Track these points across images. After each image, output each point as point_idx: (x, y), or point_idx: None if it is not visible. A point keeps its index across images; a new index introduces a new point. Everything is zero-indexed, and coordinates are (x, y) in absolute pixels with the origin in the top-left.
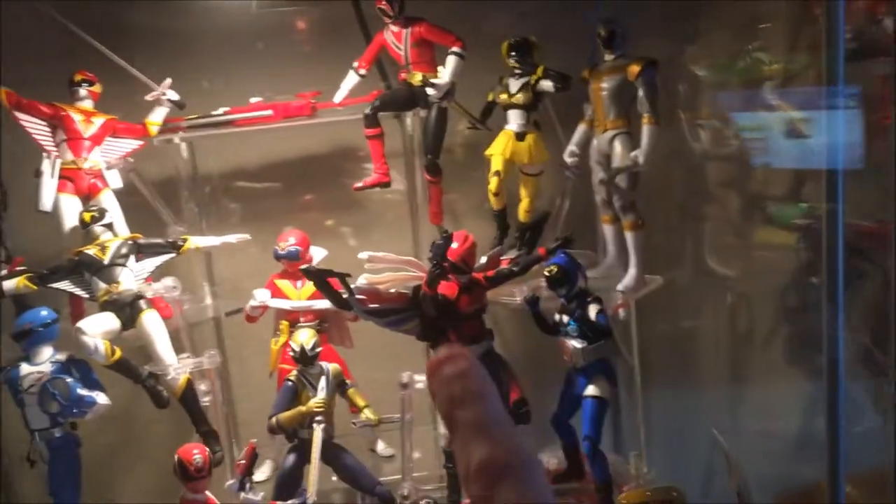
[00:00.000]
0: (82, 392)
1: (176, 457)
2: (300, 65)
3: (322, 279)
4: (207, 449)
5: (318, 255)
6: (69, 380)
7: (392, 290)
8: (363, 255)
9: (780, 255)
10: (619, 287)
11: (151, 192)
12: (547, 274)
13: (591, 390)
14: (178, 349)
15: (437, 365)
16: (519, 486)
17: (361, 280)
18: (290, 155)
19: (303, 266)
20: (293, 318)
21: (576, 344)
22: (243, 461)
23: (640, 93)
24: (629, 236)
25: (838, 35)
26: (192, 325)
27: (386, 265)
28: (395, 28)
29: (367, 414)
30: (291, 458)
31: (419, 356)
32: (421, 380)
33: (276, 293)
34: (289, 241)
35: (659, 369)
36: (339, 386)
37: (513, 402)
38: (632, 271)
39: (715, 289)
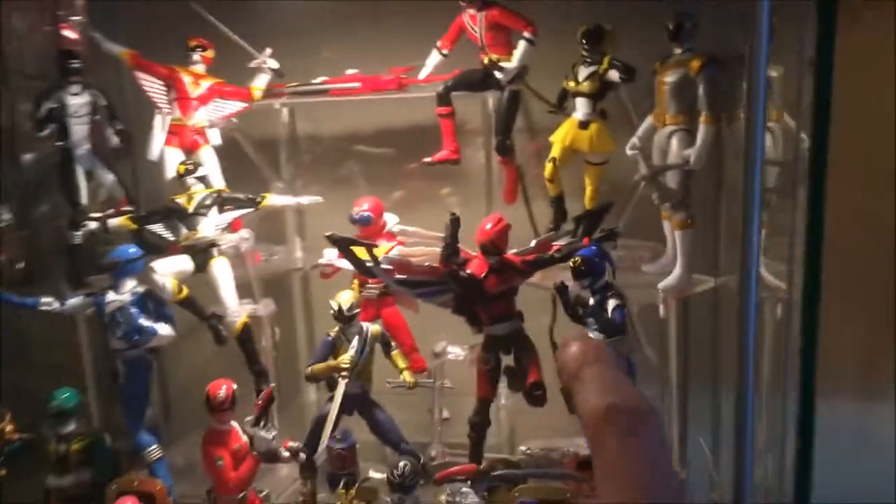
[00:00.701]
0: (144, 322)
1: (205, 390)
2: (407, 40)
3: (346, 247)
4: (234, 385)
5: (391, 221)
6: (133, 310)
7: (426, 264)
8: (396, 228)
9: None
10: (661, 285)
11: (254, 151)
12: (571, 265)
13: None
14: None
15: (569, 343)
16: (641, 432)
17: (395, 252)
18: (398, 125)
19: (328, 233)
20: (364, 279)
21: (595, 335)
22: (260, 402)
23: (701, 90)
24: (677, 235)
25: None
26: (282, 274)
27: (417, 238)
28: (471, 11)
29: (405, 376)
30: (328, 408)
31: None
32: (454, 351)
33: None
34: (362, 207)
35: (704, 372)
36: (384, 346)
37: (529, 384)
38: (677, 271)
39: (769, 298)
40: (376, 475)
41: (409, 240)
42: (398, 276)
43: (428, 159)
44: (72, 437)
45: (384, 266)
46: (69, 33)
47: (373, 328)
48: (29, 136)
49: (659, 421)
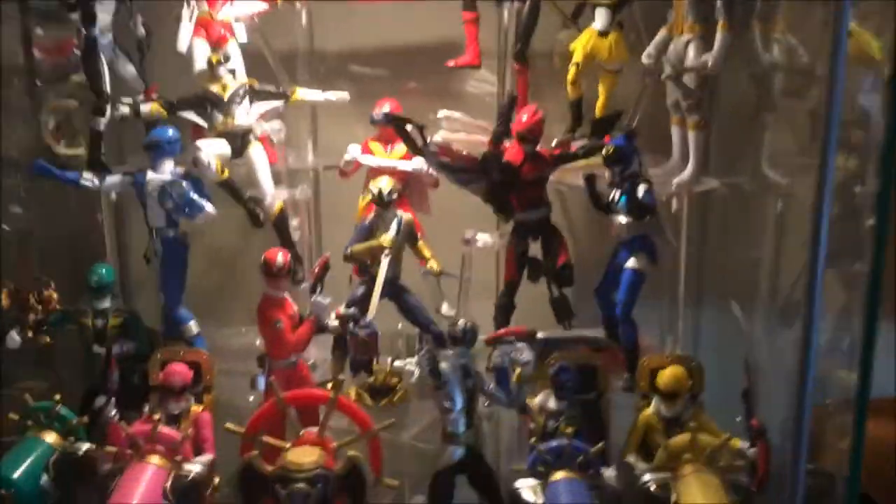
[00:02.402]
0: (194, 197)
1: (262, 257)
2: None
3: (402, 126)
4: (290, 255)
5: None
6: (185, 183)
7: (464, 152)
8: (441, 113)
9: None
10: (675, 180)
11: (272, 55)
12: (604, 153)
13: (631, 262)
14: None
15: None
16: None
17: (438, 137)
18: (398, 42)
19: (385, 111)
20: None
21: (622, 219)
22: (316, 269)
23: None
24: (691, 135)
25: None
26: (294, 173)
27: (461, 127)
28: None
29: (432, 264)
30: (361, 290)
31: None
32: (483, 238)
33: (367, 153)
34: (384, 108)
35: (707, 268)
36: (410, 237)
37: (559, 265)
38: (690, 168)
39: (770, 195)
40: (398, 363)
41: (454, 126)
42: (442, 158)
43: (451, 62)
44: (108, 312)
45: (432, 148)
46: None
47: (406, 215)
48: None
49: None
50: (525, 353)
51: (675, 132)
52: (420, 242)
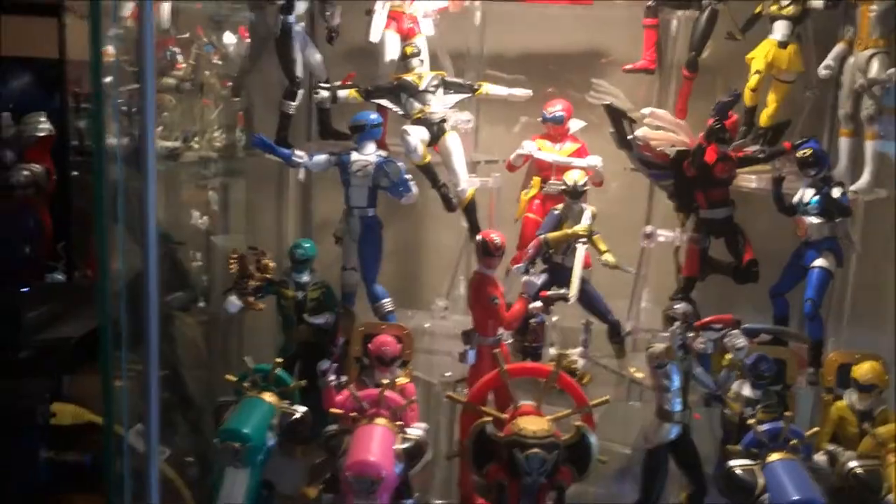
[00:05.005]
0: (407, 177)
1: (479, 237)
2: None
3: (618, 116)
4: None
5: (575, 125)
6: (400, 164)
7: (658, 149)
8: (646, 110)
9: None
10: (853, 187)
11: (441, 52)
12: (800, 156)
13: (819, 262)
14: None
15: None
16: None
17: (639, 132)
18: (559, 48)
19: (607, 102)
20: (545, 176)
21: (814, 220)
22: (531, 250)
23: None
24: (869, 145)
25: None
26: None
27: (662, 123)
28: None
29: (608, 257)
30: (542, 278)
31: None
32: (664, 233)
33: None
34: (556, 107)
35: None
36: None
37: (746, 261)
38: (866, 176)
39: None
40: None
41: (656, 122)
42: (643, 152)
43: (627, 66)
44: (307, 285)
45: (638, 142)
46: None
47: (592, 208)
48: None
49: None
50: (740, 340)
51: (843, 143)
52: (597, 236)
